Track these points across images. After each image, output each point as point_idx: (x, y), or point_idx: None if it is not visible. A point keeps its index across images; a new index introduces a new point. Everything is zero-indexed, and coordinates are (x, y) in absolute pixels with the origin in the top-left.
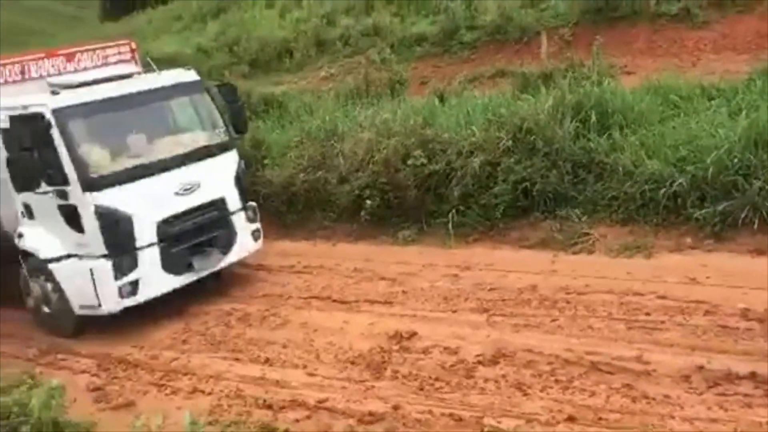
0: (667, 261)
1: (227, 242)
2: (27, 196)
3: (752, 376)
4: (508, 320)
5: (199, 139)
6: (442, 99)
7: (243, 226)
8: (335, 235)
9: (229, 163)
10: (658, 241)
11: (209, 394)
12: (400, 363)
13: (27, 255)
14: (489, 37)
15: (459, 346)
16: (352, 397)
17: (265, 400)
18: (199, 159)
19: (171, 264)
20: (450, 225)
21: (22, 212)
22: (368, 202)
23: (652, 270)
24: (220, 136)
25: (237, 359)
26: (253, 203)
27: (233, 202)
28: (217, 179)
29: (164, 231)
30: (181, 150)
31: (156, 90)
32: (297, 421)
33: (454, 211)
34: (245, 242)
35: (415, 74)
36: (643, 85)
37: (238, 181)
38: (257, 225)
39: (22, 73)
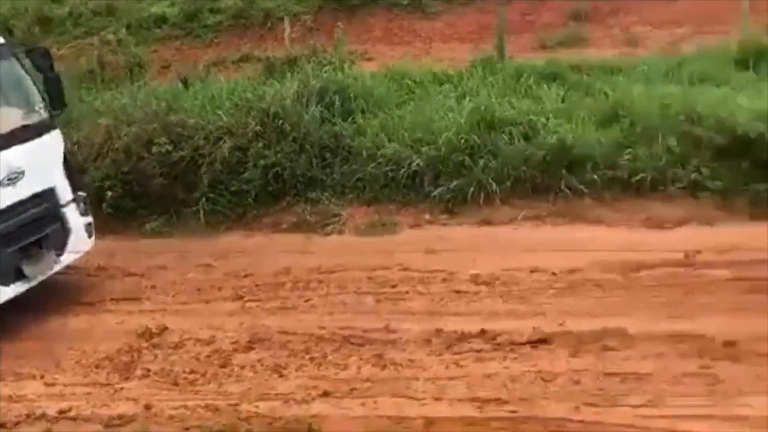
0: (408, 236)
1: (61, 241)
2: None
3: (482, 333)
4: (263, 305)
5: (16, 116)
6: (185, 83)
7: (76, 220)
8: None
9: (54, 145)
10: (401, 217)
11: None
12: (151, 360)
13: None
14: (232, 21)
15: (213, 336)
16: (98, 402)
17: None
18: (21, 141)
19: None
20: (201, 214)
21: None
22: (109, 193)
23: (395, 245)
24: (40, 113)
25: None
26: (83, 192)
27: (64, 191)
28: (44, 165)
29: None
30: None
31: None
32: None
33: (204, 199)
34: (80, 240)
35: (156, 58)
36: (382, 71)
37: (67, 166)
38: (89, 218)
39: None
